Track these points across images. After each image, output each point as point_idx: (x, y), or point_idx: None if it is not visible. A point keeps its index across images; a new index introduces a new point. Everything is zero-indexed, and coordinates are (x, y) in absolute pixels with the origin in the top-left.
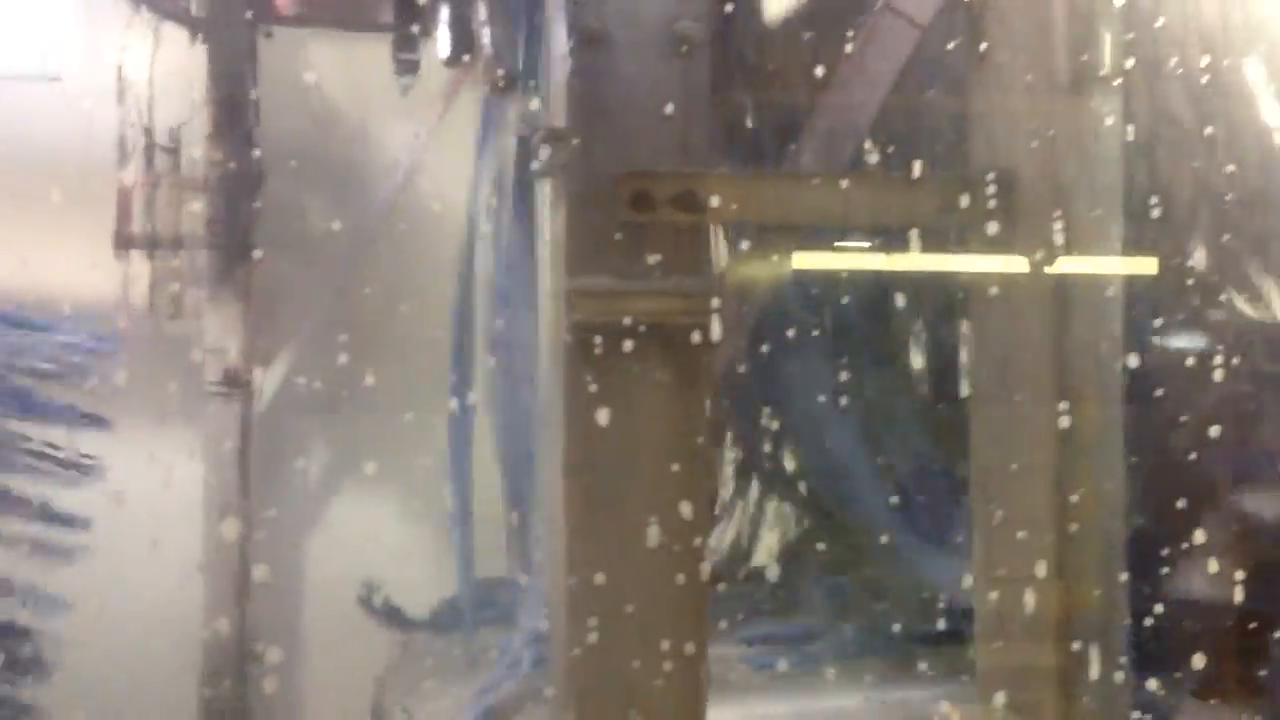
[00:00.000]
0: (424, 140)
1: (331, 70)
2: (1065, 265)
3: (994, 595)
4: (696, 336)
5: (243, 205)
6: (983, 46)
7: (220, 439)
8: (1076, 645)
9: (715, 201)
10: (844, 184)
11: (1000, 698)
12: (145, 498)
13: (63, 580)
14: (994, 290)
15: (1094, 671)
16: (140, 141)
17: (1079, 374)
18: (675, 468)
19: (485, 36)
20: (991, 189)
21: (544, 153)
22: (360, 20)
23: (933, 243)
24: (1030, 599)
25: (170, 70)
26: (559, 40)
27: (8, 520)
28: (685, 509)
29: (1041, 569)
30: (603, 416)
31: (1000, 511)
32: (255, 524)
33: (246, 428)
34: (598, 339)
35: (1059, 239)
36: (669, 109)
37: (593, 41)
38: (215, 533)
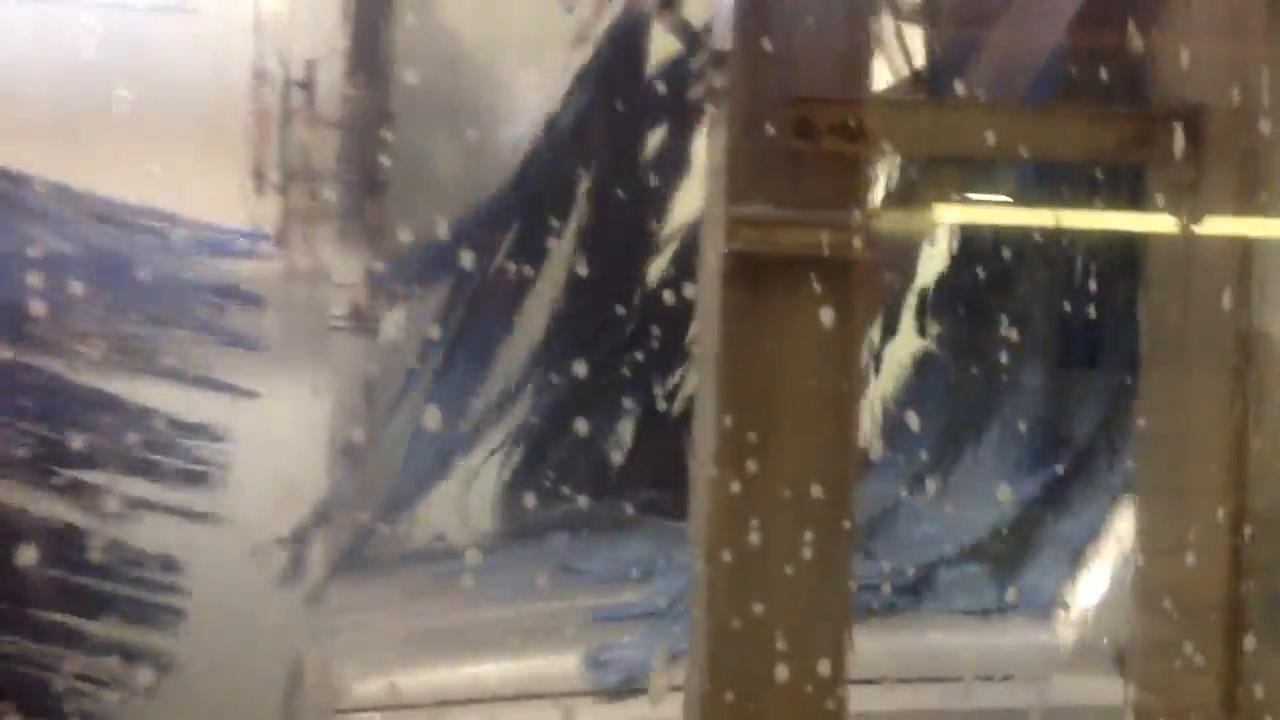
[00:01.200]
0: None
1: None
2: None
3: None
4: (857, 272)
5: (372, 142)
6: None
7: (343, 373)
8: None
9: (879, 130)
10: (1018, 114)
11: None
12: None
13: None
14: (1171, 247)
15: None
16: (277, 75)
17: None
18: (828, 406)
19: None
20: (1182, 127)
21: (708, 76)
22: None
23: (1110, 191)
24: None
25: (306, 3)
26: None
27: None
28: (835, 455)
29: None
30: (758, 346)
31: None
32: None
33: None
34: (754, 267)
35: (1253, 192)
36: (838, 30)
37: None
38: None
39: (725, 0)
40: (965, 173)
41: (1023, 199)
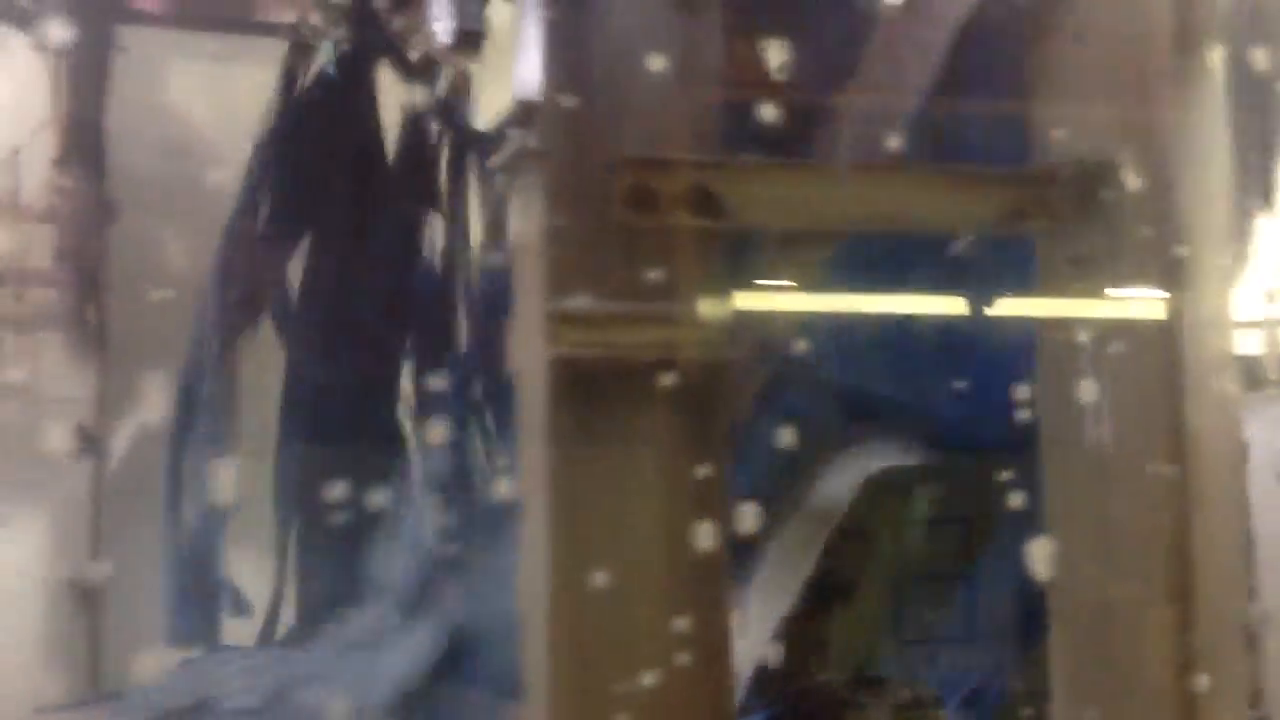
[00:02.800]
0: None
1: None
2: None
3: None
4: (709, 376)
5: (94, 238)
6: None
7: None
8: None
9: (735, 200)
10: (894, 180)
11: None
12: None
13: None
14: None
15: None
16: None
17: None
18: (677, 540)
19: None
20: (1071, 187)
21: (514, 136)
22: (240, 20)
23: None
24: None
25: (13, 88)
26: None
27: None
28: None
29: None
30: (590, 471)
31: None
32: None
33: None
34: (586, 376)
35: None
36: (673, 79)
37: None
38: None
39: (531, 39)
40: (832, 248)
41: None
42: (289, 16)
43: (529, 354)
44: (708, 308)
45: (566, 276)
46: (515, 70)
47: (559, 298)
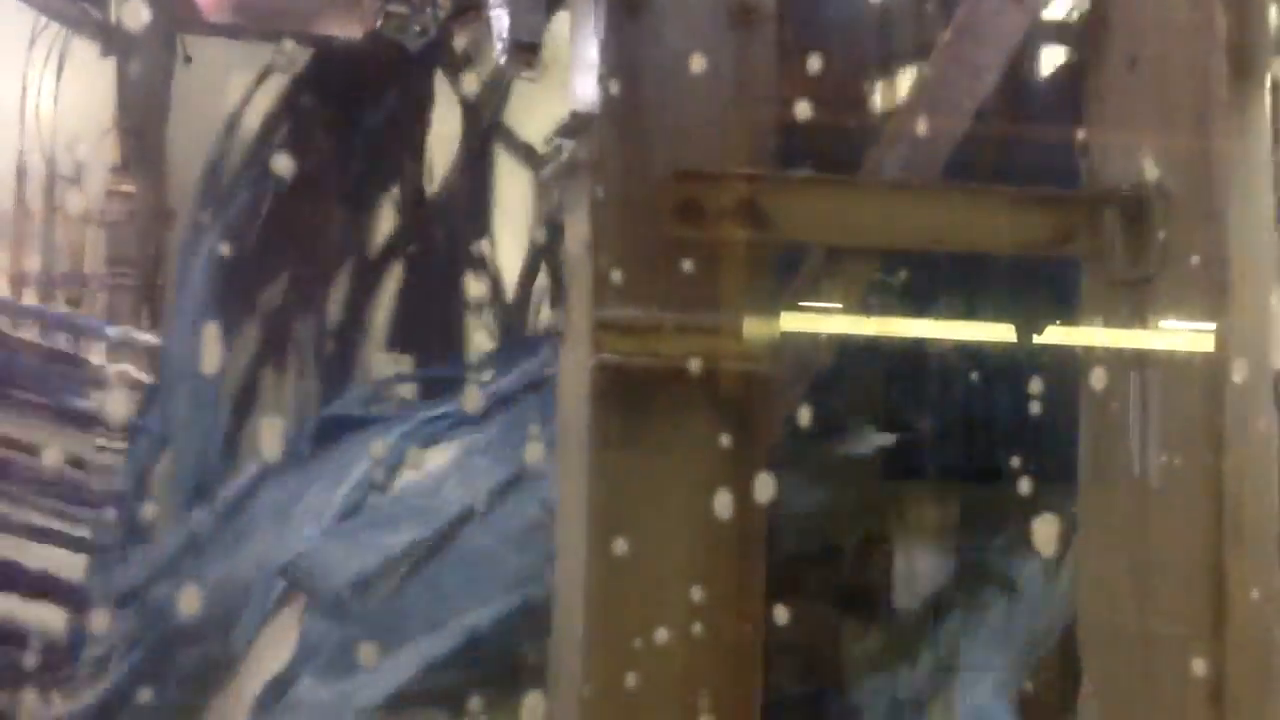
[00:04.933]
0: None
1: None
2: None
3: None
4: (750, 386)
5: (151, 243)
6: (1110, 37)
7: None
8: None
9: (782, 215)
10: (942, 198)
11: None
12: None
13: None
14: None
15: None
16: (40, 170)
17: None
18: (720, 541)
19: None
20: (1119, 211)
21: (568, 147)
22: (303, 33)
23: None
24: None
25: (77, 94)
26: (588, 2)
27: None
28: (732, 593)
29: None
30: (634, 477)
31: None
32: None
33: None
34: (629, 382)
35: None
36: (727, 96)
37: (633, 8)
38: None
39: (587, 52)
40: (872, 267)
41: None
42: (349, 29)
43: (574, 360)
44: (752, 322)
45: (614, 286)
46: (570, 82)
47: (606, 306)
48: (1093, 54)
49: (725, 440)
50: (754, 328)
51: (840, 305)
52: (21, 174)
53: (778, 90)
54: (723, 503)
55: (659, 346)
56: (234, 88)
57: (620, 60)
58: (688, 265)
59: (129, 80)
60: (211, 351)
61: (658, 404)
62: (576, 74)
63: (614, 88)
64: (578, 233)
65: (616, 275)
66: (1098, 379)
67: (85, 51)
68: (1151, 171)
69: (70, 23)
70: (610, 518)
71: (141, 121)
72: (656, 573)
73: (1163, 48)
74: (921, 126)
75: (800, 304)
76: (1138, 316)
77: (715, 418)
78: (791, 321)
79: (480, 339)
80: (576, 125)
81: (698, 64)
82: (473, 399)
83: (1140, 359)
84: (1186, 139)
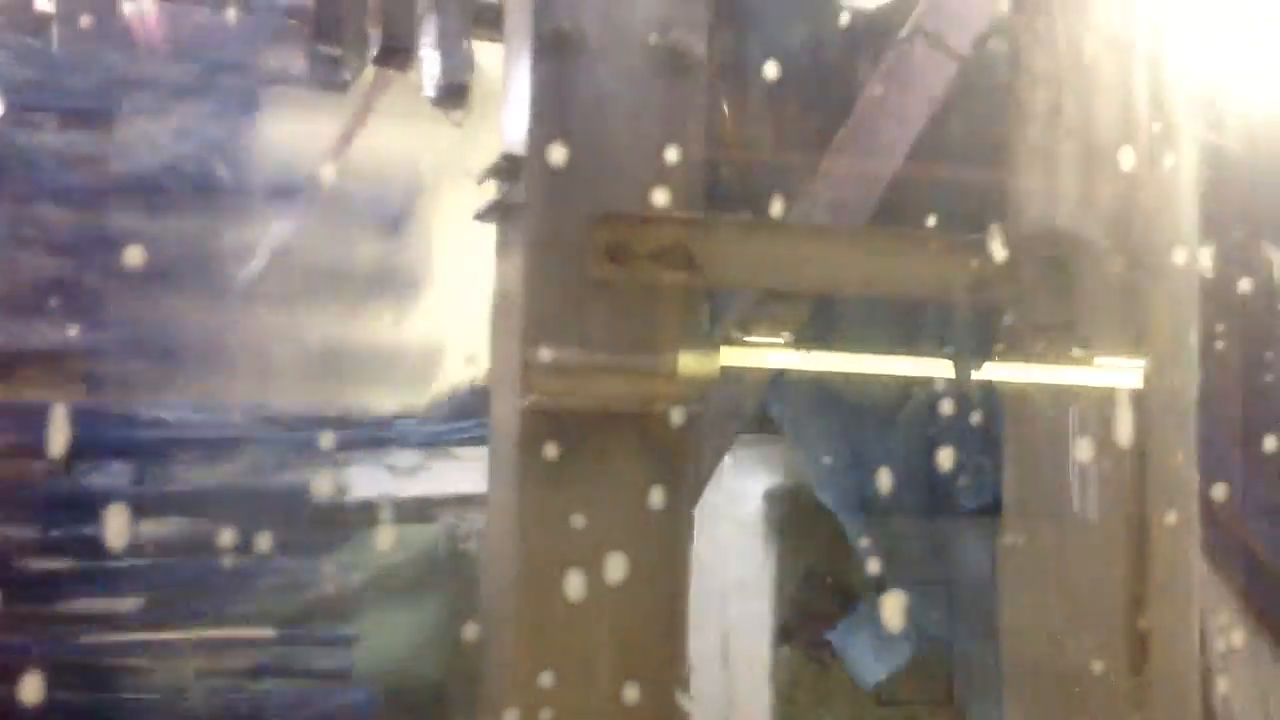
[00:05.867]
0: None
1: None
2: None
3: None
4: (682, 426)
5: None
6: (1031, 84)
7: None
8: None
9: (712, 258)
10: (869, 242)
11: None
12: None
13: None
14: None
15: None
16: None
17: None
18: (652, 584)
19: (427, 34)
20: (1038, 257)
21: (498, 187)
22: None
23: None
24: None
25: None
26: (520, 45)
27: None
28: (661, 638)
29: None
30: (565, 518)
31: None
32: None
33: None
34: (559, 425)
35: (1125, 328)
36: (657, 139)
37: (564, 47)
38: None
39: (518, 94)
40: (804, 308)
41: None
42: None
43: (503, 401)
44: (683, 362)
45: (543, 326)
46: (501, 123)
47: (535, 347)
48: (1015, 102)
49: (656, 481)
50: (686, 368)
51: (773, 343)
52: None
53: (707, 133)
54: (649, 549)
55: (589, 388)
56: None
57: (550, 101)
58: (617, 307)
59: None
60: None
61: (588, 446)
62: (507, 114)
63: (544, 129)
64: (508, 273)
65: (545, 317)
66: (1019, 414)
67: None
68: (1072, 219)
69: None
70: (541, 556)
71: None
72: (586, 614)
73: (1084, 98)
74: (849, 171)
75: (733, 342)
76: (1057, 357)
77: (647, 459)
78: (724, 360)
79: None
80: (507, 167)
81: (628, 107)
82: None
83: (1061, 395)
84: (1108, 186)
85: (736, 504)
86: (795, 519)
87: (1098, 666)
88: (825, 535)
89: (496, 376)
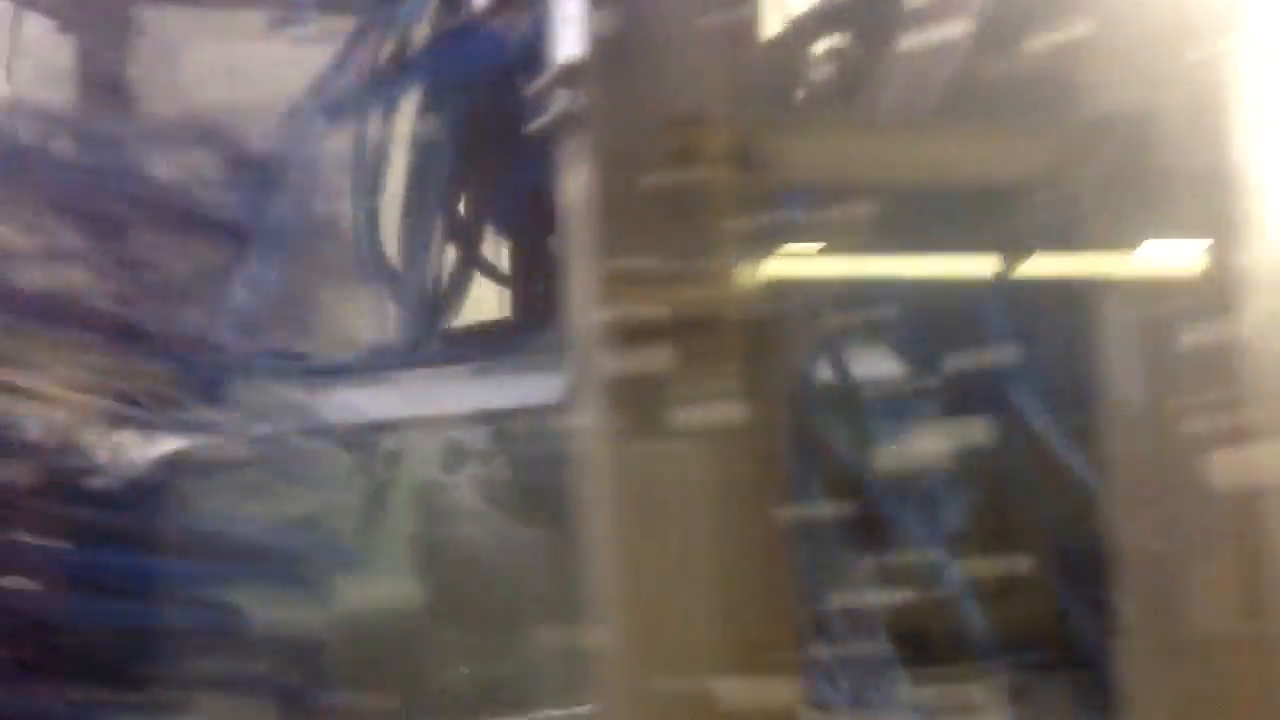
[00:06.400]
0: None
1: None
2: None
3: None
4: (765, 331)
5: None
6: None
7: None
8: None
9: (779, 157)
10: (941, 133)
11: None
12: None
13: None
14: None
15: None
16: None
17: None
18: (749, 499)
19: None
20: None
21: (557, 98)
22: None
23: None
24: None
25: (34, 71)
26: None
27: None
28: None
29: None
30: (654, 430)
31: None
32: None
33: None
34: (644, 334)
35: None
36: (718, 34)
37: None
38: None
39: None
40: (877, 208)
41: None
42: None
43: (582, 315)
44: (757, 266)
45: (616, 238)
46: (555, 31)
47: (609, 259)
48: None
49: (743, 387)
50: (760, 271)
51: (840, 247)
52: None
53: (768, 30)
54: (742, 461)
55: (666, 296)
56: (190, 57)
57: (607, 6)
58: (689, 212)
59: (85, 54)
60: None
61: (671, 354)
62: (559, 22)
63: (600, 33)
64: (574, 186)
65: (618, 228)
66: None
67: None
68: (1147, 98)
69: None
70: (634, 473)
71: (99, 95)
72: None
73: None
74: (912, 63)
75: (802, 246)
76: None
77: (731, 365)
78: (795, 264)
79: None
80: (564, 76)
81: (686, 6)
82: None
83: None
84: (1184, 59)
85: None
86: None
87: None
88: None
89: (574, 294)
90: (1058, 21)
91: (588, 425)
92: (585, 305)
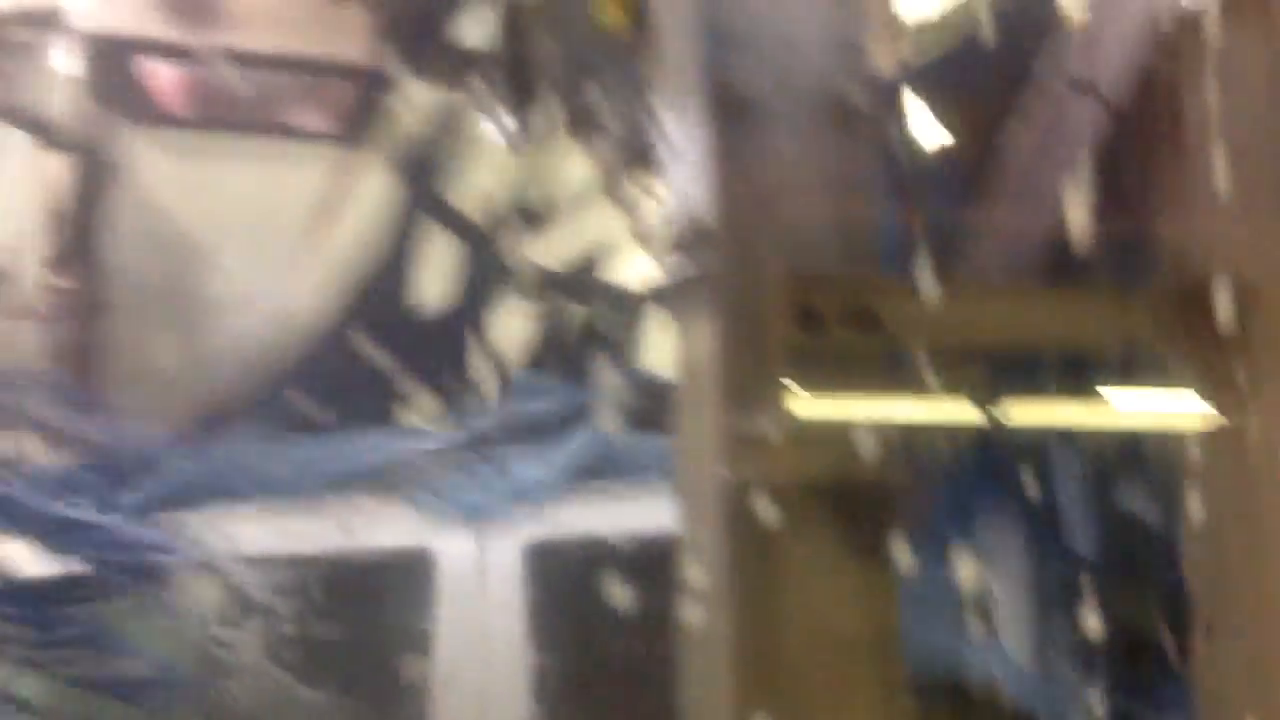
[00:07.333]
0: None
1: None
2: None
3: None
4: (887, 491)
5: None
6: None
7: None
8: None
9: (897, 319)
10: (1046, 299)
11: None
12: None
13: None
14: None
15: None
16: None
17: None
18: (866, 661)
19: (603, 109)
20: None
21: (679, 260)
22: (269, 124)
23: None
24: None
25: (9, 187)
26: (691, 110)
27: None
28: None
29: None
30: (776, 596)
31: None
32: None
33: None
34: (760, 497)
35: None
36: (834, 195)
37: (738, 110)
38: None
39: (693, 161)
40: (986, 368)
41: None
42: (314, 122)
43: (697, 476)
44: (877, 426)
45: (740, 397)
46: (677, 192)
47: (729, 419)
48: (1175, 147)
49: (864, 548)
50: (877, 431)
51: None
52: None
53: (881, 189)
54: (859, 619)
55: (785, 459)
56: (183, 175)
57: (729, 166)
58: (811, 372)
59: (69, 174)
60: None
61: (793, 516)
62: (679, 182)
63: (724, 194)
64: (696, 344)
65: (742, 387)
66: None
67: (17, 141)
68: (1231, 266)
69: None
70: (754, 635)
71: (79, 214)
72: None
73: (1244, 141)
74: (1017, 223)
75: (911, 402)
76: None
77: (854, 526)
78: (905, 419)
79: None
80: (690, 238)
81: (803, 167)
82: None
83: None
84: (1267, 227)
85: None
86: None
87: None
88: None
89: (688, 450)
90: (1153, 189)
91: (701, 584)
92: (708, 467)
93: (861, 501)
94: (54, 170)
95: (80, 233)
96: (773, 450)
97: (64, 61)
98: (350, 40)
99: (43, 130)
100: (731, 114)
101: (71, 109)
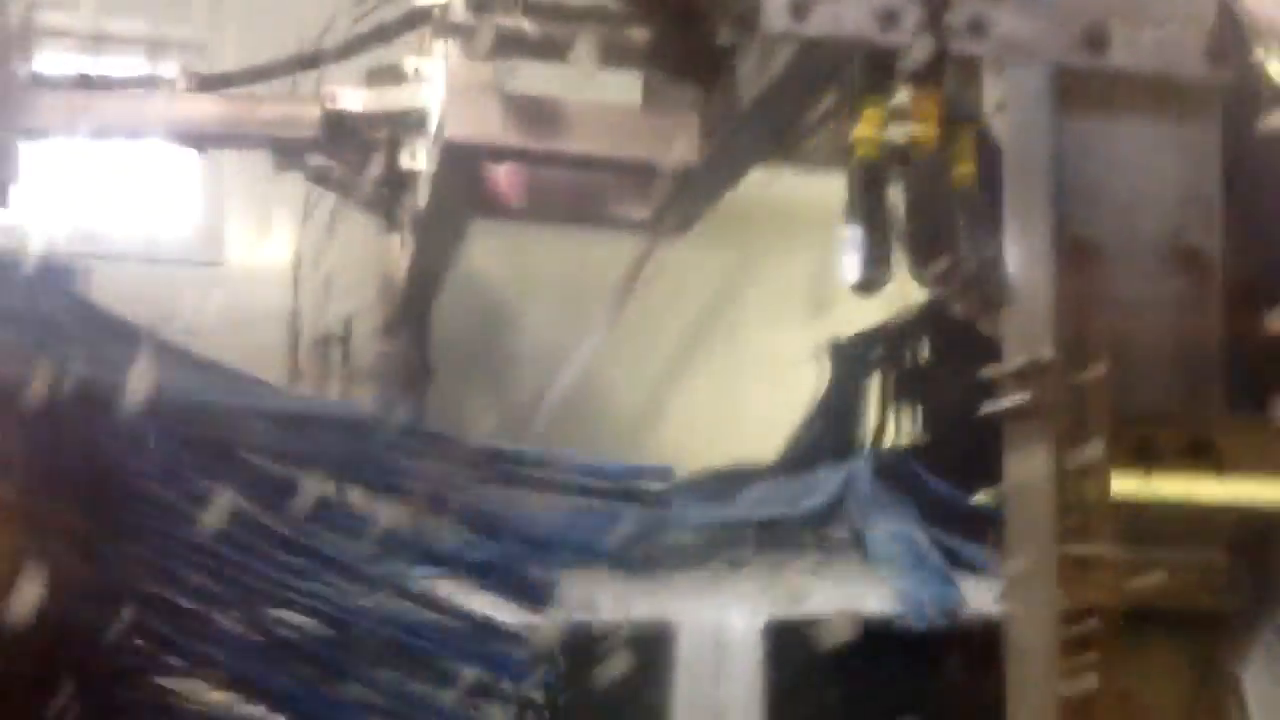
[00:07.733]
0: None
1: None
2: None
3: None
4: (1223, 617)
5: (412, 399)
6: None
7: None
8: None
9: (1234, 456)
10: None
11: None
12: None
13: None
14: None
15: None
16: (310, 329)
17: None
18: None
19: (963, 245)
20: None
21: (1021, 387)
22: (598, 214)
23: None
24: None
25: (341, 256)
26: (1037, 253)
27: None
28: None
29: None
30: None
31: None
32: None
33: None
34: (1096, 623)
35: None
36: (1175, 337)
37: (1083, 254)
38: None
39: (1037, 299)
40: None
41: None
42: (637, 211)
43: (1030, 599)
44: (1222, 555)
45: (1077, 523)
46: (1013, 332)
47: (1065, 545)
48: None
49: (1199, 676)
50: (1213, 560)
51: None
52: (295, 336)
53: (1224, 333)
54: None
55: (1129, 584)
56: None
57: (1071, 307)
58: (1142, 503)
59: (408, 254)
60: None
61: (1127, 644)
62: (1021, 319)
63: (1067, 333)
64: (1026, 470)
65: (1078, 514)
66: None
67: (360, 221)
68: None
69: (356, 201)
70: None
71: (416, 291)
72: None
73: None
74: None
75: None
76: None
77: (1188, 654)
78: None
79: None
80: (1031, 371)
81: (1146, 308)
82: None
83: None
84: None
85: None
86: None
87: None
88: None
89: (1022, 573)
90: None
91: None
92: (1042, 592)
93: (1195, 625)
94: (393, 249)
95: (414, 306)
96: (1105, 573)
97: (419, 159)
98: (674, 144)
99: (392, 215)
100: (1077, 258)
101: (419, 200)
